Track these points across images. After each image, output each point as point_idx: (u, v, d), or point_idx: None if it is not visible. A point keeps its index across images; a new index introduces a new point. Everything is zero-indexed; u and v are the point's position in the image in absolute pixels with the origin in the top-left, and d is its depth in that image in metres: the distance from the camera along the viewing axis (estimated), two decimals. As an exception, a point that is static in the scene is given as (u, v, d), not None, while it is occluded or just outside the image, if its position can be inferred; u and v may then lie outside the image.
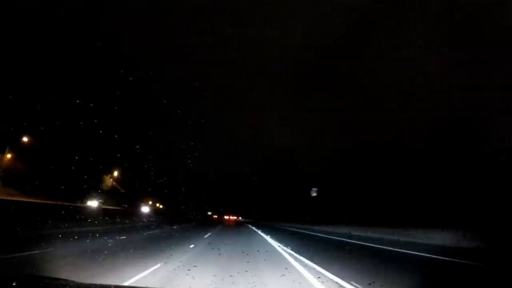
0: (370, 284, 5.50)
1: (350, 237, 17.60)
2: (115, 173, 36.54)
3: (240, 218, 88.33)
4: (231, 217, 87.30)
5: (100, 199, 27.80)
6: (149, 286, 4.90)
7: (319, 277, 5.99)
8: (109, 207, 30.26)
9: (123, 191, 39.57)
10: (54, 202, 18.58)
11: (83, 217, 18.01)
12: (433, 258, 9.05)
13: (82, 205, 24.59)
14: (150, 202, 56.23)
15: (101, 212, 23.79)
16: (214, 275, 5.82)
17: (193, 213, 62.81)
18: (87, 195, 26.65)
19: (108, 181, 35.16)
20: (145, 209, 41.03)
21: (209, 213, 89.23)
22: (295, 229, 30.79)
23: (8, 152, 22.88)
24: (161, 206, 64.23)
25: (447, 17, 18.32)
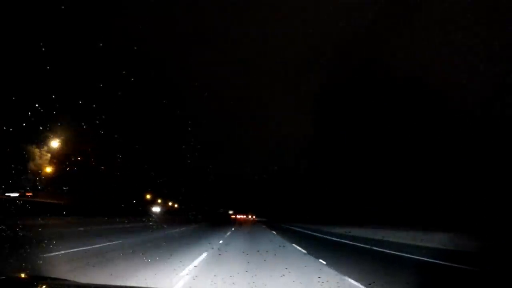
0: (370, 284, 5.49)
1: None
2: (53, 144, 20.04)
3: (254, 217, 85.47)
4: (243, 217, 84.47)
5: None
6: (149, 286, 4.89)
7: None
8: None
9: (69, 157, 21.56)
10: None
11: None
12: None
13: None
14: (160, 200, 55.13)
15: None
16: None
17: (192, 213, 62.23)
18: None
19: (42, 157, 21.08)
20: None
21: (230, 212, 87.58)
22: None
23: None
24: (176, 205, 63.50)
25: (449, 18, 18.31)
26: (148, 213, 40.00)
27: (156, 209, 47.90)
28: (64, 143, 20.44)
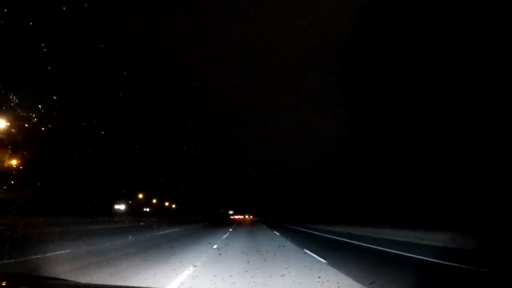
0: (371, 284, 5.49)
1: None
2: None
3: (251, 217, 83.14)
4: (241, 217, 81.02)
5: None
6: (150, 286, 4.90)
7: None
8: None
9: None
10: None
11: None
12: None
13: None
14: (155, 201, 54.12)
15: None
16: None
17: (194, 213, 62.17)
18: None
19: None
20: None
21: (230, 212, 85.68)
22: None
23: None
24: (173, 206, 63.17)
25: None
26: (113, 212, 33.19)
27: (120, 207, 38.70)
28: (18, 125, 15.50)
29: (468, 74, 18.10)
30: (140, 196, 45.32)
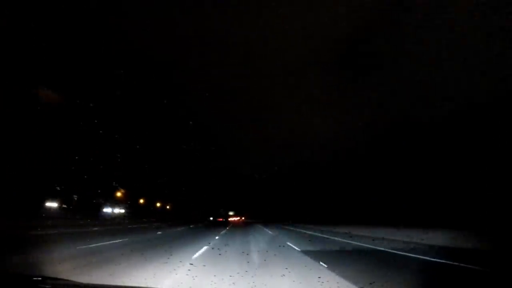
0: (371, 283, 5.48)
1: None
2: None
3: (243, 218, 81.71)
4: (236, 219, 79.30)
5: None
6: (149, 286, 4.90)
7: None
8: None
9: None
10: None
11: None
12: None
13: None
14: (142, 201, 52.79)
15: None
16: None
17: (193, 214, 62.03)
18: None
19: None
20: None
21: (231, 213, 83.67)
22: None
23: None
24: (167, 207, 63.14)
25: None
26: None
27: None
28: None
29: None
30: (119, 194, 44.47)
